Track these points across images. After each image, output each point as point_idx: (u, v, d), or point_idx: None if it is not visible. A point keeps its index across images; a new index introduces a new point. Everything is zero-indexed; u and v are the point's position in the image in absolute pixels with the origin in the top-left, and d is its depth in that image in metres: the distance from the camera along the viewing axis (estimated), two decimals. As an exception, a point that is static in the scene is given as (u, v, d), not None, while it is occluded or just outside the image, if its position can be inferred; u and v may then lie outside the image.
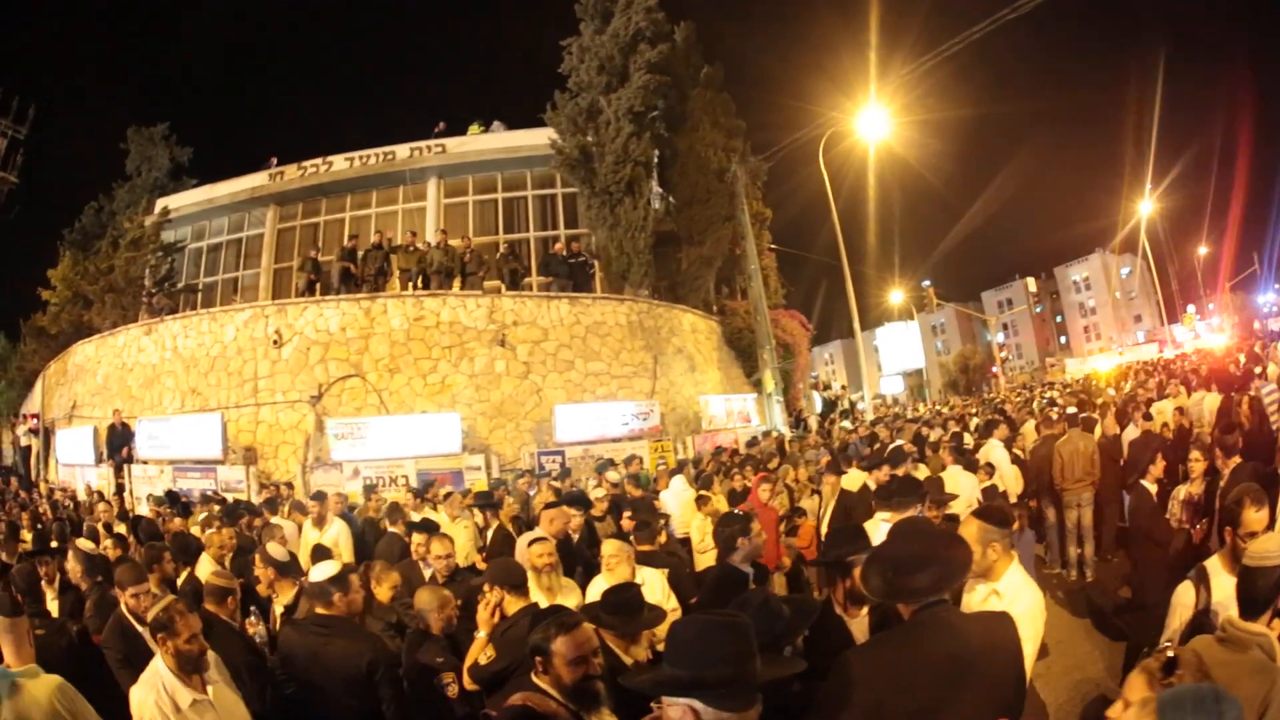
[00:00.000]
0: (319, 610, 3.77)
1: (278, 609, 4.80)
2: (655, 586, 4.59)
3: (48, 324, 21.86)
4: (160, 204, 21.67)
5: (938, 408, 28.18)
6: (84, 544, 5.25)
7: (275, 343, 15.41)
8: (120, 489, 14.69)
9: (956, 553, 2.52)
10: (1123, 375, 27.59)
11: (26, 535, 8.19)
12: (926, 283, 38.52)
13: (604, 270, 18.58)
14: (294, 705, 3.69)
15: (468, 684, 3.66)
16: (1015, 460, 9.08)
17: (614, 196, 17.69)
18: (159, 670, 3.02)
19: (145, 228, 19.98)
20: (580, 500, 7.46)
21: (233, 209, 21.71)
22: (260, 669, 3.93)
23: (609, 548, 4.68)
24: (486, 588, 3.92)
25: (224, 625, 3.98)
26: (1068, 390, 23.43)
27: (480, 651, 3.66)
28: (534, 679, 2.74)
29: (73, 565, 4.89)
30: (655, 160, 18.60)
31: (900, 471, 6.78)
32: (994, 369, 50.10)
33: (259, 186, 21.15)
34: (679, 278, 19.36)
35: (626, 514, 6.69)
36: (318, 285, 16.91)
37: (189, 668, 3.03)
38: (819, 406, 25.12)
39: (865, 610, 3.24)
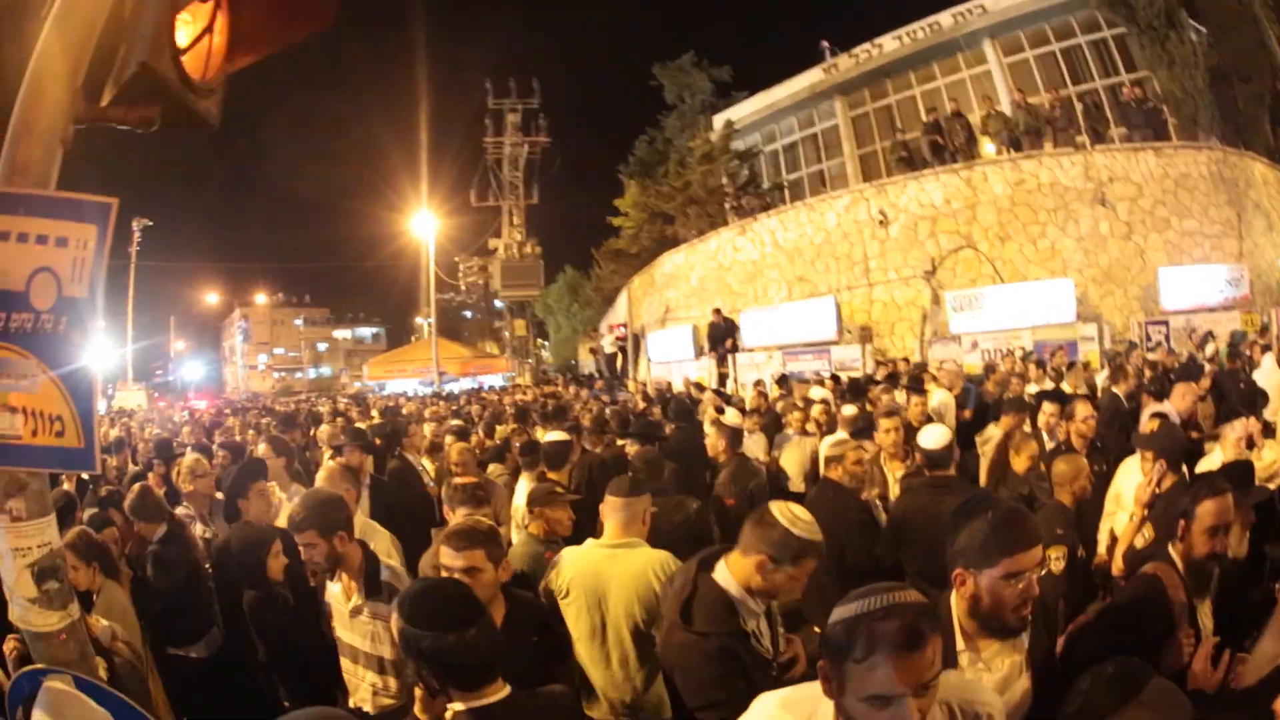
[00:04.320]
0: (937, 473, 3.91)
1: (891, 477, 5.02)
2: (1265, 470, 4.27)
3: (625, 245, 25.13)
4: (719, 119, 23.54)
5: None
6: (730, 418, 5.95)
7: (881, 222, 16.00)
8: (723, 378, 15.78)
9: None
10: None
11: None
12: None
13: (1174, 115, 16.56)
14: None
15: (1116, 567, 3.56)
16: None
17: (1159, 32, 16.11)
18: None
19: (713, 143, 21.85)
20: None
21: (796, 108, 22.85)
22: (874, 526, 4.25)
23: (1234, 431, 4.39)
24: (1151, 454, 3.75)
25: (837, 488, 4.36)
26: None
27: (1135, 533, 3.53)
28: (1170, 549, 2.49)
29: (714, 440, 5.40)
30: None
31: None
32: None
33: (817, 82, 21.68)
34: (1240, 120, 16.89)
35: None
36: (909, 163, 17.20)
37: None
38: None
39: None
